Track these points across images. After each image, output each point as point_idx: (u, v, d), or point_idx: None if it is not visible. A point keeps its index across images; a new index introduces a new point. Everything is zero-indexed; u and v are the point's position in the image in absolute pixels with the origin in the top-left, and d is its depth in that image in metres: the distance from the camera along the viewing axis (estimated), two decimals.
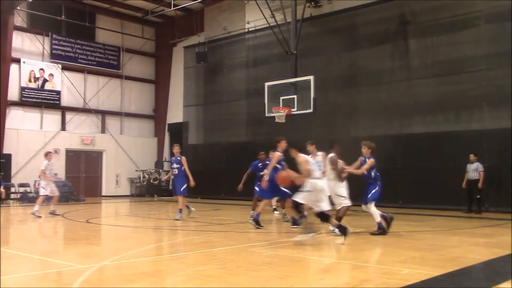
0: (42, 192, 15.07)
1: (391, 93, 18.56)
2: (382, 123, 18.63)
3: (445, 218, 14.01)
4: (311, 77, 16.82)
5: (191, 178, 13.09)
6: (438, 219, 13.83)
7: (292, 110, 17.09)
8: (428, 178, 16.85)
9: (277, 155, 11.25)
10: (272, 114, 17.53)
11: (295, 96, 17.20)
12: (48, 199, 15.41)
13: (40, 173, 15.16)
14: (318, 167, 9.64)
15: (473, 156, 15.31)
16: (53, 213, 14.84)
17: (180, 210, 13.13)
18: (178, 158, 13.29)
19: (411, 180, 17.29)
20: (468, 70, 16.64)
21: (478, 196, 15.19)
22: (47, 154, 15.56)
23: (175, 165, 13.26)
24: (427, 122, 17.62)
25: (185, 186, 13.15)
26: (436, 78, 17.36)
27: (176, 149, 13.54)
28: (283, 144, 11.24)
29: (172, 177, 13.76)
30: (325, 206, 8.84)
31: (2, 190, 20.05)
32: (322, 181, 9.14)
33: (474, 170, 15.20)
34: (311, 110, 16.85)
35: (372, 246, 8.89)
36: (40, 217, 14.11)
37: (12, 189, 21.49)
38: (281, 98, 17.47)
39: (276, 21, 18.80)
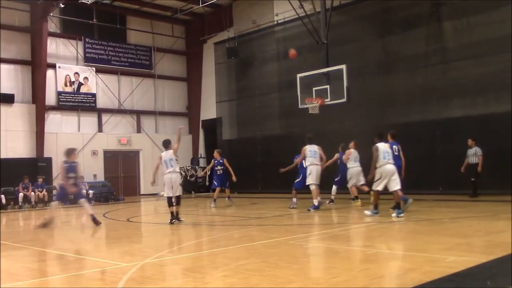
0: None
1: (427, 78, 18.13)
2: (419, 109, 18.24)
3: (488, 203, 13.66)
4: (343, 66, 16.60)
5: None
6: (481, 205, 13.49)
7: (326, 100, 16.92)
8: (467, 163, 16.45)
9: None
10: (306, 106, 17.40)
11: (328, 86, 17.02)
12: None
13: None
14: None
15: (471, 140, 15.49)
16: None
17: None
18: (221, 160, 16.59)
19: (450, 165, 16.87)
20: (507, 49, 16.05)
21: (473, 179, 15.35)
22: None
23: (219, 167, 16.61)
24: (466, 105, 17.13)
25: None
26: (474, 60, 16.82)
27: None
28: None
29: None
30: None
31: (44, 193, 20.62)
32: None
33: (473, 154, 15.41)
34: (344, 100, 16.64)
35: (414, 235, 8.73)
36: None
37: (54, 192, 21.98)
38: (314, 89, 17.32)
39: (305, 11, 18.62)
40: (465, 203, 13.99)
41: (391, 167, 10.99)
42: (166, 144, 12.08)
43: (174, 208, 11.69)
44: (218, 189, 16.57)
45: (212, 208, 16.02)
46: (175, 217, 11.66)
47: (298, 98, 17.77)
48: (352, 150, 14.46)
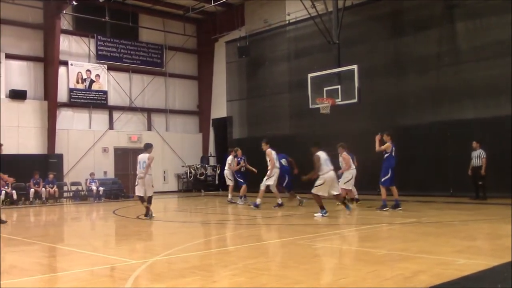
0: (228, 182, 17.40)
1: (439, 79, 18.03)
2: (430, 110, 18.14)
3: (499, 206, 13.55)
4: (354, 67, 16.53)
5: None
6: (492, 208, 13.40)
7: (337, 100, 16.87)
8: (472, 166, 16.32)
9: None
10: (316, 106, 17.36)
11: (339, 87, 16.97)
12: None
13: (228, 166, 17.39)
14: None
15: (476, 143, 15.53)
16: (230, 201, 16.92)
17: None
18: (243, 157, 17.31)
19: (461, 167, 16.75)
20: None
21: (481, 183, 15.37)
22: (231, 151, 17.76)
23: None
24: (478, 107, 17.01)
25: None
26: (486, 62, 16.70)
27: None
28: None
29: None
30: None
31: (55, 189, 20.76)
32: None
33: (477, 157, 15.44)
34: (355, 100, 16.58)
35: (424, 237, 8.68)
36: (234, 203, 16.60)
37: (65, 188, 22.14)
38: (325, 89, 17.27)
39: (317, 11, 18.56)
40: (476, 206, 13.89)
41: (333, 173, 12.04)
42: (146, 147, 12.83)
43: (145, 205, 12.45)
44: (244, 186, 17.06)
45: (239, 205, 16.43)
46: (148, 212, 12.45)
47: (309, 98, 17.72)
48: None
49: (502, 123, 16.04)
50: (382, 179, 12.86)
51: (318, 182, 11.86)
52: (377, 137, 13.03)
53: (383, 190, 12.95)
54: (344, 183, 14.10)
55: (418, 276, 5.46)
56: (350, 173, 14.32)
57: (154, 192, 12.94)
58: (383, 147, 12.83)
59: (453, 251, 6.92)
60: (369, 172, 16.20)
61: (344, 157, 14.28)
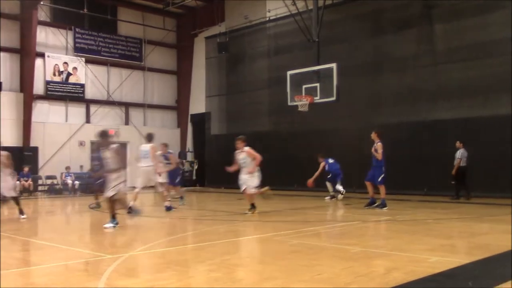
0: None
1: (416, 79, 18.24)
2: (407, 110, 18.35)
3: (473, 205, 13.81)
4: (333, 65, 16.64)
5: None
6: (466, 206, 13.63)
7: (315, 98, 16.97)
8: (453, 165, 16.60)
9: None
10: (295, 103, 17.43)
11: (318, 84, 17.07)
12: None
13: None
14: None
15: (459, 143, 15.52)
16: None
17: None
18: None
19: (436, 167, 17.02)
20: (495, 54, 16.22)
21: (453, 182, 15.43)
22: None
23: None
24: (454, 108, 17.28)
25: None
26: (463, 63, 16.97)
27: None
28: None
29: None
30: None
31: (30, 182, 20.48)
32: None
33: (457, 157, 15.46)
34: (334, 98, 16.69)
35: (398, 234, 8.80)
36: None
37: (40, 181, 21.84)
38: (304, 86, 17.35)
39: (297, 8, 18.63)
40: (450, 205, 14.12)
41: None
42: None
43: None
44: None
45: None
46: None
47: (288, 96, 17.79)
48: None
49: (478, 123, 16.33)
50: (379, 178, 12.63)
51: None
52: (373, 150, 12.70)
53: (382, 189, 12.68)
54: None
55: (392, 273, 5.54)
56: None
57: (132, 187, 12.77)
58: (378, 149, 12.57)
59: (426, 249, 7.03)
60: (348, 169, 16.36)
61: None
